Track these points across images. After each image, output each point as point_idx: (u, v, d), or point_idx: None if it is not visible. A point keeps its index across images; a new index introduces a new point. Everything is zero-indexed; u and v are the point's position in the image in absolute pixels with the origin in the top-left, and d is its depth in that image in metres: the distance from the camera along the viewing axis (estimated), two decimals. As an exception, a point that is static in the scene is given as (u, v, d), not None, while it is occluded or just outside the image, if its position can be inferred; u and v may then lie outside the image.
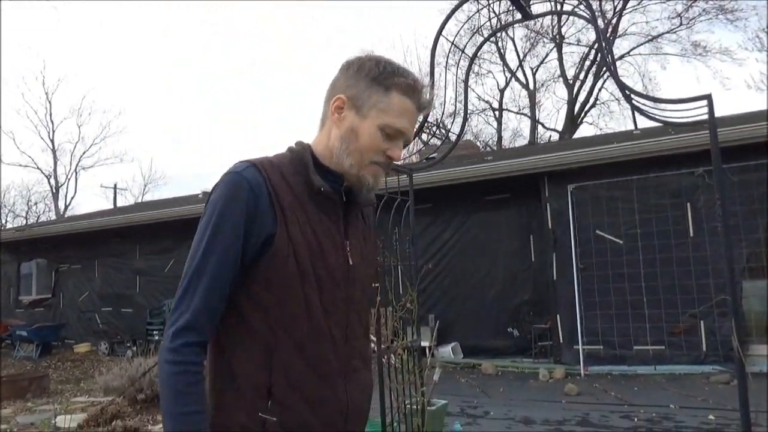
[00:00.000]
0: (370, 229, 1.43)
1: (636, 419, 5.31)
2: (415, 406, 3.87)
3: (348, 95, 1.27)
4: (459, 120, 4.77)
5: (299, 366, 1.20)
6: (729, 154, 6.76)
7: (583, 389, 6.46)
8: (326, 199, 1.26)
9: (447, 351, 8.43)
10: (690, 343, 7.07)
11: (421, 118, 1.54)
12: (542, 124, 22.76)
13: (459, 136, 4.50)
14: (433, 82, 3.86)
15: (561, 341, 7.76)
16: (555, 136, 21.73)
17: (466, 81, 4.25)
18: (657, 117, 3.54)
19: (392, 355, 3.87)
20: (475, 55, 4.53)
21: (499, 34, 20.37)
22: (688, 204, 7.31)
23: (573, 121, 21.26)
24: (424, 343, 7.42)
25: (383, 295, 3.65)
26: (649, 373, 7.04)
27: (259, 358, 1.19)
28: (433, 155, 11.58)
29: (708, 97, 3.23)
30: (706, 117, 3.27)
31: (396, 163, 1.35)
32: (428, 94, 1.31)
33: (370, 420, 4.32)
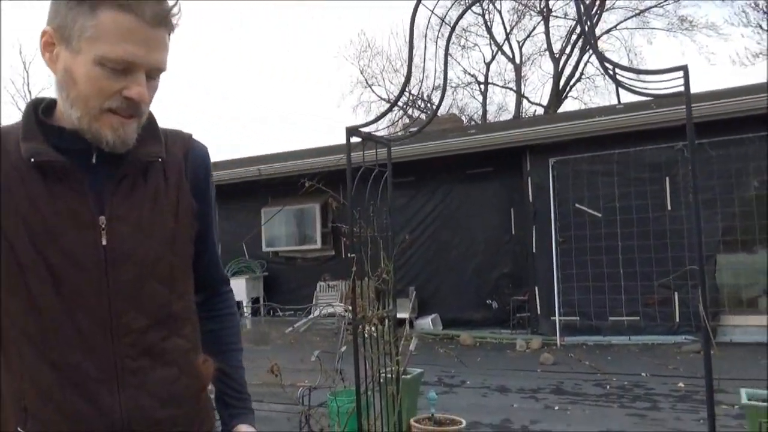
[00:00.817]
0: (178, 188, 1.12)
1: (608, 387, 5.44)
2: (390, 375, 3.92)
3: (54, 26, 0.98)
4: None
5: (45, 373, 1.00)
6: (709, 128, 6.83)
7: (558, 359, 6.59)
8: (61, 167, 1.00)
9: (427, 322, 8.52)
10: (664, 313, 7.21)
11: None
12: (527, 99, 22.70)
13: (438, 106, 4.46)
14: (411, 54, 3.81)
15: (538, 312, 7.87)
16: (540, 111, 21.70)
17: (446, 50, 4.19)
18: (634, 88, 3.53)
19: (367, 325, 3.90)
20: (456, 23, 4.47)
21: (486, 7, 20.14)
22: (667, 178, 7.37)
23: (558, 95, 21.21)
24: (403, 315, 7.50)
25: (359, 266, 3.66)
26: (623, 343, 7.18)
27: (15, 365, 1.01)
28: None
29: (684, 68, 3.21)
30: (682, 89, 3.28)
31: (143, 104, 1.01)
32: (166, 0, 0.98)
33: (346, 389, 4.36)
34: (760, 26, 18.63)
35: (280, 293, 10.29)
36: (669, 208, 7.31)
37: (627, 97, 17.17)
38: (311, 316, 8.57)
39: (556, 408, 4.90)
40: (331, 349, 4.82)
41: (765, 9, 17.93)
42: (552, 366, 6.34)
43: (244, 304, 9.80)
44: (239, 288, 9.88)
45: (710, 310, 6.84)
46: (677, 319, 7.13)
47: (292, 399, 4.48)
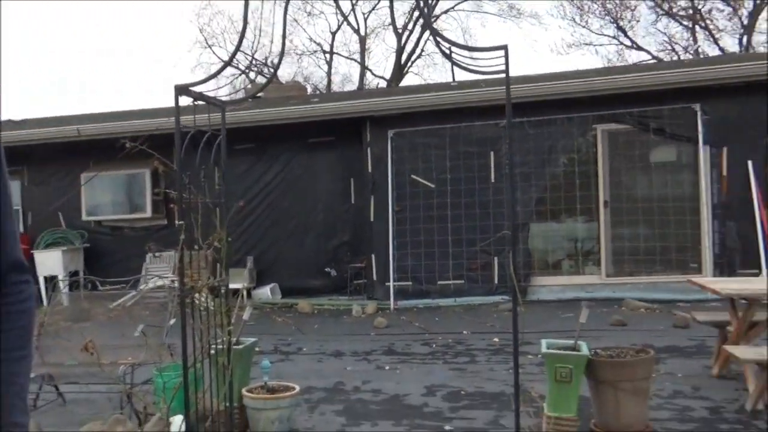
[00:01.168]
0: None
1: (434, 345, 5.85)
2: (221, 346, 3.80)
3: None
4: (287, 59, 4.53)
5: None
6: (529, 108, 7.50)
7: (391, 322, 6.94)
8: None
9: (265, 292, 8.42)
10: (485, 276, 7.91)
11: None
12: (371, 71, 23.11)
13: (276, 68, 4.34)
14: (247, 10, 3.62)
15: (374, 279, 8.18)
16: (383, 84, 22.23)
17: (285, 11, 4.07)
18: (463, 65, 3.74)
19: (196, 296, 3.73)
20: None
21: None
22: (492, 152, 7.99)
23: (400, 69, 21.89)
24: (238, 285, 7.32)
25: (188, 235, 3.46)
26: (449, 305, 7.76)
27: None
28: (261, 94, 11.16)
29: (504, 48, 3.45)
30: (503, 67, 3.53)
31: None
32: None
33: (173, 362, 4.11)
34: (574, 20, 20.90)
35: (105, 266, 9.44)
36: (493, 180, 7.96)
37: (461, 76, 18.30)
38: (139, 289, 8.01)
39: (387, 368, 5.16)
40: (161, 323, 4.55)
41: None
42: (385, 329, 6.65)
43: (60, 278, 8.84)
44: (54, 261, 8.88)
45: (522, 272, 7.66)
46: (496, 281, 7.87)
47: (114, 378, 4.16)
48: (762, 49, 18.25)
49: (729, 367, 4.43)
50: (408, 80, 22.41)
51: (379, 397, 4.42)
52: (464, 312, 7.41)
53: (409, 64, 22.36)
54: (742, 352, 3.81)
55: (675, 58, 19.50)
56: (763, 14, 18.46)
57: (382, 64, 25.81)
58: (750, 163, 7.35)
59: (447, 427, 3.83)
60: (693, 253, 7.59)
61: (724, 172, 7.46)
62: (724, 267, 7.35)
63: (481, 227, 7.87)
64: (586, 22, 20.65)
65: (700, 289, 4.67)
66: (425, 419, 3.96)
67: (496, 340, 5.91)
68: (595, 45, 21.19)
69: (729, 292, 4.15)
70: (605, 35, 20.81)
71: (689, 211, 7.60)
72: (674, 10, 19.42)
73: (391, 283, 7.95)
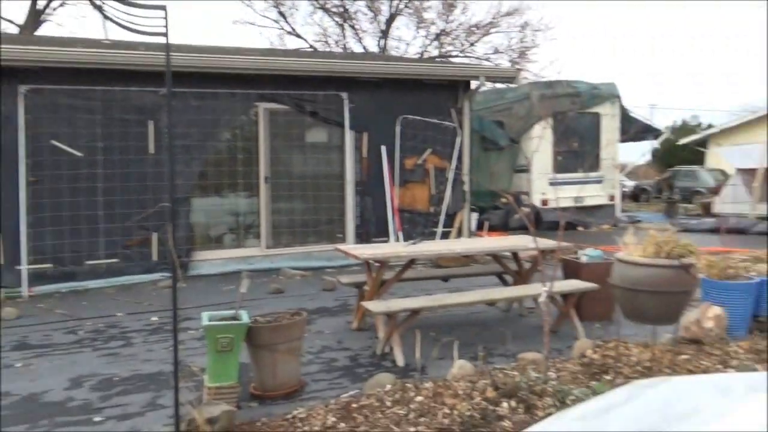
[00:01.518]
0: None
1: (81, 332, 5.23)
2: None
3: None
4: None
5: None
6: (192, 78, 7.28)
7: (25, 312, 5.91)
8: None
9: None
10: (143, 254, 7.40)
11: None
12: (-3, 12, 18.95)
13: None
14: None
15: (1, 263, 6.81)
16: (14, 30, 18.48)
17: None
18: (114, 18, 3.36)
19: None
20: None
21: None
22: (151, 122, 7.47)
23: (36, 16, 18.55)
24: None
25: None
26: (100, 287, 7.02)
27: None
28: None
29: (164, 8, 3.24)
30: (163, 29, 3.30)
31: None
32: None
33: None
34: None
35: None
36: (152, 151, 7.46)
37: (118, 35, 16.56)
38: None
39: (19, 365, 4.39)
40: None
41: None
42: (16, 320, 5.63)
43: None
44: None
45: (184, 247, 7.46)
46: (155, 258, 7.44)
47: None
48: (394, 52, 21.68)
49: (365, 320, 5.19)
50: (47, 30, 19.19)
51: (7, 400, 3.73)
52: (119, 293, 6.80)
53: (50, 11, 19.13)
54: (374, 306, 4.50)
55: (328, 49, 21.54)
56: (396, 23, 21.90)
57: (12, 6, 21.36)
58: (383, 148, 8.67)
59: (97, 419, 3.48)
60: (339, 225, 8.62)
61: (365, 154, 8.63)
62: (363, 236, 8.55)
63: (139, 201, 7.32)
64: (251, 1, 21.05)
65: (344, 255, 5.30)
66: (70, 415, 3.52)
67: (154, 319, 5.61)
68: (258, 26, 21.79)
69: (365, 257, 4.83)
70: (268, 17, 21.61)
71: (336, 188, 8.57)
72: (327, 5, 21.38)
73: (24, 267, 6.75)
